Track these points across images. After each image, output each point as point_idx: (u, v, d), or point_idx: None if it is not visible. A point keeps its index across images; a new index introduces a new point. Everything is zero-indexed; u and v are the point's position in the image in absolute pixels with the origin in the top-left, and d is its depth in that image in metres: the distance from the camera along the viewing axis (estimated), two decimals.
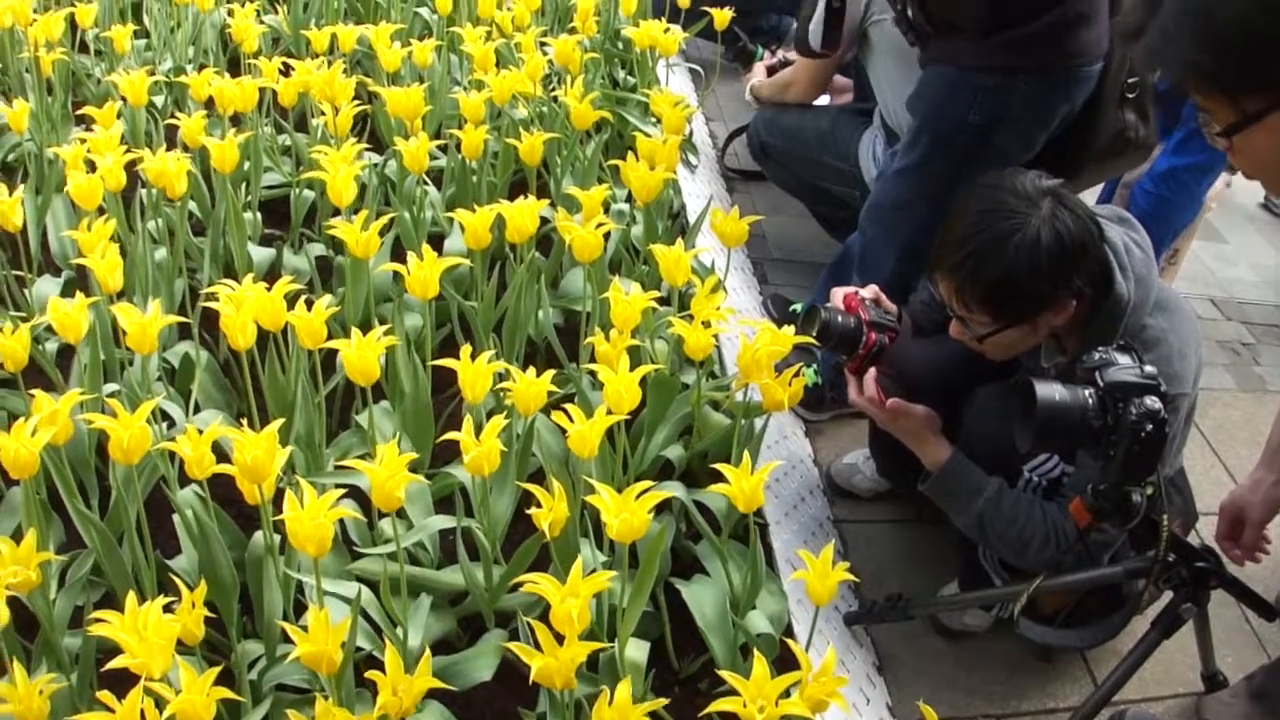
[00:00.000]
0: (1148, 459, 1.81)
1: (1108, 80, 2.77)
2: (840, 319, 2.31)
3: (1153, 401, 1.79)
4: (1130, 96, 2.86)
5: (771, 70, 3.89)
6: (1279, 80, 1.39)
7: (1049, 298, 2.06)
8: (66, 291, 2.79)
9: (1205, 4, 1.41)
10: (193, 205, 3.05)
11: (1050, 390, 1.84)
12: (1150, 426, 1.78)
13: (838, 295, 2.40)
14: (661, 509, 1.96)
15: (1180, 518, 2.33)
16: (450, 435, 1.96)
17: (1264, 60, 1.39)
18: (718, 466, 2.00)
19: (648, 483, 1.85)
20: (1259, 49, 1.38)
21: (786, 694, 1.65)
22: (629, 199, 3.28)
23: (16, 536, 1.80)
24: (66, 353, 2.48)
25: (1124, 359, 1.86)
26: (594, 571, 1.75)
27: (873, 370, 2.33)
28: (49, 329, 2.21)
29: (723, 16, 3.82)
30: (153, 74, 3.33)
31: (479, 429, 1.94)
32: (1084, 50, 2.62)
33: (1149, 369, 1.84)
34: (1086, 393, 1.84)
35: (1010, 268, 2.01)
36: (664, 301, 2.74)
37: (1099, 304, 2.10)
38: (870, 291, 2.41)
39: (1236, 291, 4.24)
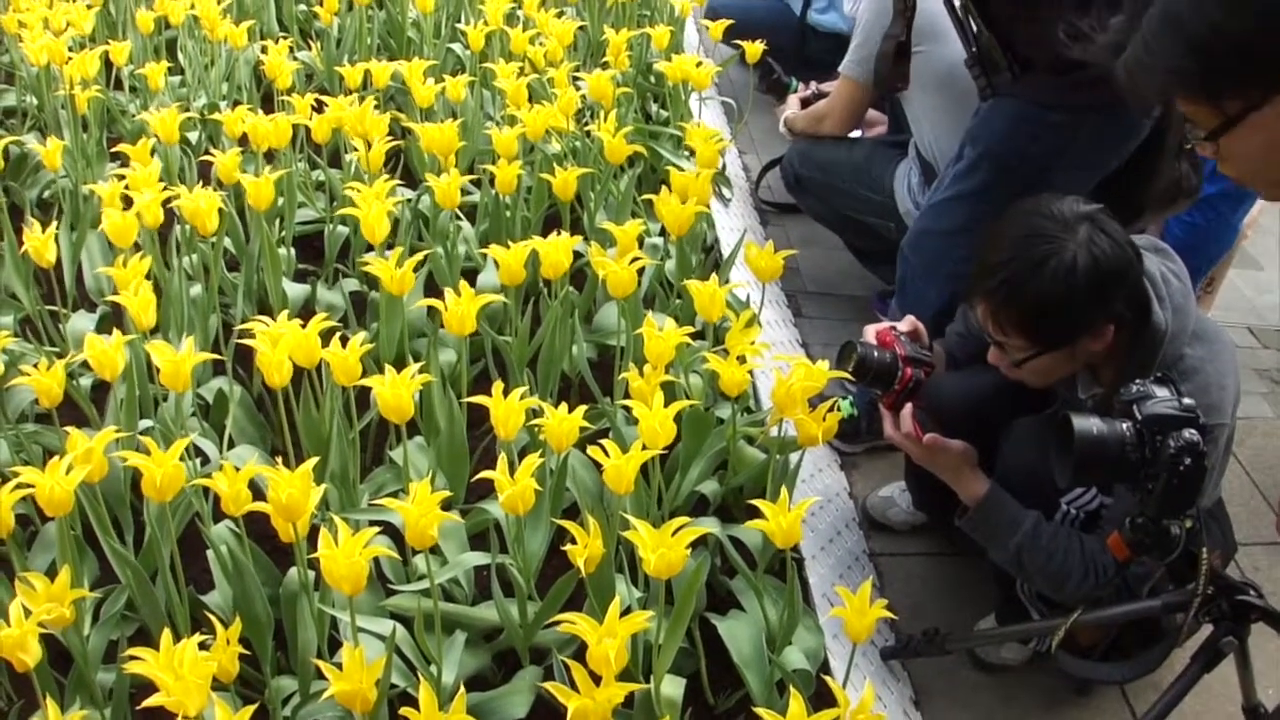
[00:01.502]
0: (1187, 492, 1.79)
1: (1169, 132, 2.75)
2: (876, 354, 2.30)
3: (1191, 434, 1.77)
4: (1186, 148, 2.84)
5: (805, 102, 3.88)
6: (1256, 80, 1.41)
7: (1087, 322, 2.05)
8: (101, 327, 2.82)
9: (1180, 11, 1.44)
10: (227, 241, 3.07)
11: (1088, 424, 1.82)
12: (1189, 459, 1.76)
13: (871, 330, 2.39)
14: (697, 544, 1.95)
15: (1219, 549, 2.29)
16: (485, 474, 1.96)
17: (1239, 62, 1.41)
18: (755, 503, 1.99)
19: (684, 519, 1.84)
20: (1233, 51, 1.41)
21: None
22: (662, 233, 3.28)
23: (51, 573, 1.80)
24: (101, 388, 2.49)
25: (1162, 391, 1.84)
26: (629, 608, 1.74)
27: (909, 405, 2.31)
28: (83, 364, 2.22)
29: (754, 50, 3.82)
30: (187, 110, 3.36)
31: (513, 466, 1.94)
32: None
33: (1187, 401, 1.82)
34: (1124, 426, 1.82)
35: (1047, 292, 2.00)
36: (698, 336, 2.73)
37: (1137, 333, 2.08)
38: (907, 325, 2.40)
39: (1273, 319, 4.18)
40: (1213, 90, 1.45)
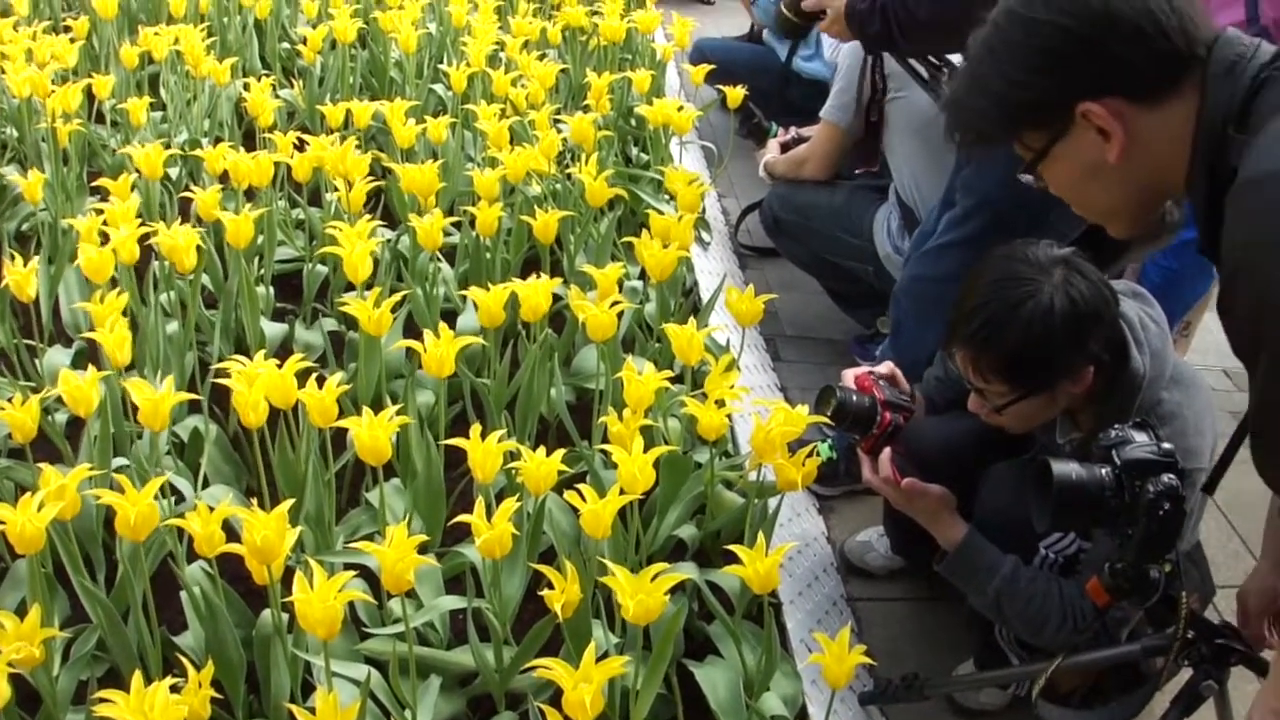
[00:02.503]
0: (1166, 537, 1.79)
1: None
2: (855, 399, 2.30)
3: (1170, 479, 1.77)
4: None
5: (785, 147, 3.90)
6: (1047, 119, 1.57)
7: (1065, 365, 2.05)
8: (77, 362, 2.80)
9: (980, 55, 1.60)
10: (205, 278, 3.06)
11: (1067, 469, 1.82)
12: (1168, 504, 1.76)
13: (850, 375, 2.39)
14: (674, 589, 1.94)
15: (1197, 592, 2.29)
16: (462, 518, 1.95)
17: (1024, 105, 1.57)
18: (732, 548, 1.99)
19: (663, 564, 1.83)
20: (1018, 95, 1.56)
21: None
22: (642, 276, 3.28)
23: (21, 611, 1.78)
24: (76, 423, 2.48)
25: (1141, 436, 1.84)
26: (606, 653, 1.73)
27: (887, 450, 2.31)
28: (58, 400, 2.21)
29: (735, 94, 3.84)
30: (168, 146, 3.35)
31: (491, 509, 1.92)
32: None
33: (1166, 446, 1.82)
34: (1103, 471, 1.82)
35: (1024, 335, 2.00)
36: (677, 379, 2.72)
37: (1115, 377, 2.08)
38: (885, 369, 2.40)
39: None
40: (1010, 127, 1.62)
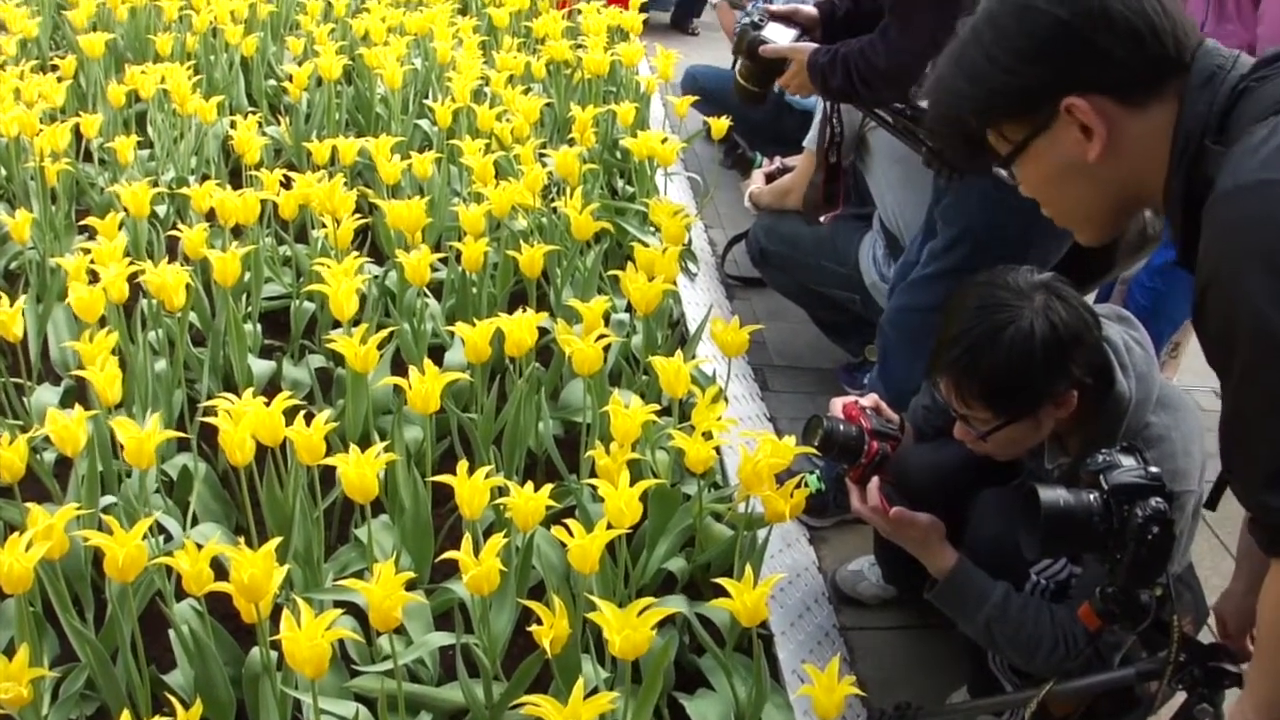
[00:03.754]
0: (1156, 560, 1.79)
1: None
2: (842, 429, 2.30)
3: (1159, 503, 1.77)
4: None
5: (770, 177, 3.92)
6: (1030, 110, 1.55)
7: (1048, 390, 2.05)
8: (65, 401, 2.80)
9: (968, 41, 1.59)
10: (193, 316, 3.06)
11: (1055, 495, 1.82)
12: (1157, 528, 1.76)
13: (837, 405, 2.39)
14: (664, 622, 1.94)
15: (1190, 614, 2.29)
16: (449, 554, 1.94)
17: (1008, 92, 1.56)
18: (720, 581, 1.98)
19: (650, 599, 1.83)
20: (1004, 77, 1.55)
21: None
22: (629, 308, 3.29)
23: (9, 651, 1.78)
24: (64, 462, 2.47)
25: (1128, 460, 1.84)
26: (596, 689, 1.72)
27: (875, 479, 2.31)
28: (47, 438, 2.21)
29: (720, 125, 3.85)
30: (155, 184, 3.36)
31: (478, 545, 1.92)
32: None
33: (1153, 469, 1.82)
34: (1091, 496, 1.82)
35: (1006, 360, 2.01)
36: (665, 411, 2.73)
37: (1101, 401, 2.09)
38: (870, 400, 2.41)
39: None
40: (990, 116, 1.60)
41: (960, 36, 1.61)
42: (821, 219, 3.21)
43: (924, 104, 1.85)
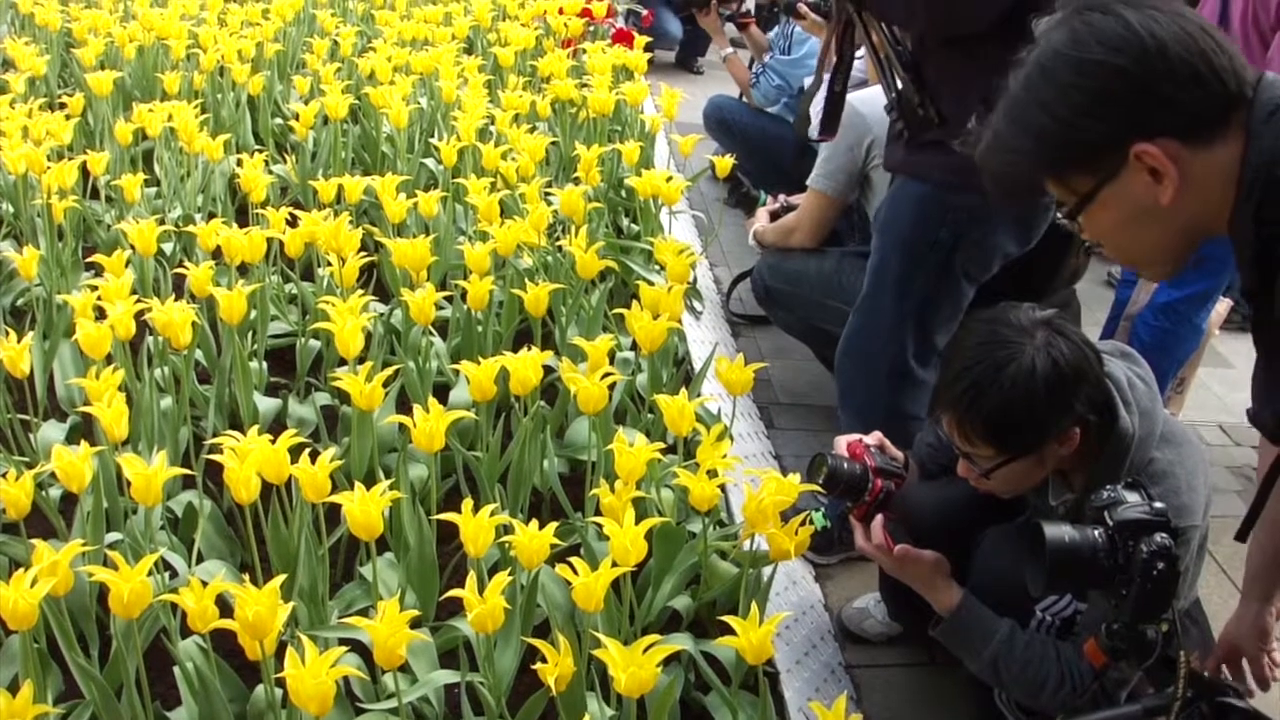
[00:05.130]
0: (1161, 596, 1.78)
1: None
2: (846, 467, 2.30)
3: (1163, 539, 1.76)
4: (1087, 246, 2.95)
5: (774, 215, 3.93)
6: (1093, 159, 1.53)
7: (1051, 426, 2.06)
8: (71, 437, 2.80)
9: (1019, 96, 1.57)
10: (199, 353, 3.07)
11: (1059, 532, 1.82)
12: (1162, 564, 1.75)
13: (842, 443, 2.39)
14: (670, 660, 1.94)
15: (1197, 650, 2.28)
16: (454, 593, 1.95)
17: (1076, 143, 1.54)
18: (725, 619, 1.98)
19: (655, 636, 1.83)
20: (1067, 131, 1.53)
21: None
22: (634, 346, 3.29)
23: (14, 687, 1.78)
24: (70, 498, 2.47)
25: (1132, 496, 1.84)
26: None
27: (879, 517, 2.31)
28: (53, 475, 2.21)
29: (724, 164, 3.87)
30: (162, 222, 3.37)
31: (483, 583, 1.92)
32: None
33: (1158, 505, 1.82)
34: (1096, 533, 1.81)
35: (1008, 397, 2.01)
36: (670, 449, 2.73)
37: (1104, 438, 2.09)
38: (874, 439, 2.41)
39: (1245, 416, 4.12)
40: (1055, 169, 1.58)
41: (1011, 92, 1.59)
42: (814, 137, 3.17)
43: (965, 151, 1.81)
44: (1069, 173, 1.58)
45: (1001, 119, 1.61)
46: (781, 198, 4.05)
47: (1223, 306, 3.90)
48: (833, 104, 2.89)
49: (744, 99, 5.34)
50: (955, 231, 2.65)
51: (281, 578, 1.88)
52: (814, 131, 3.12)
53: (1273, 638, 2.19)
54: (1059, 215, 1.67)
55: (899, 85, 2.62)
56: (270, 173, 3.96)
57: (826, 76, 2.91)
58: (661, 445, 2.44)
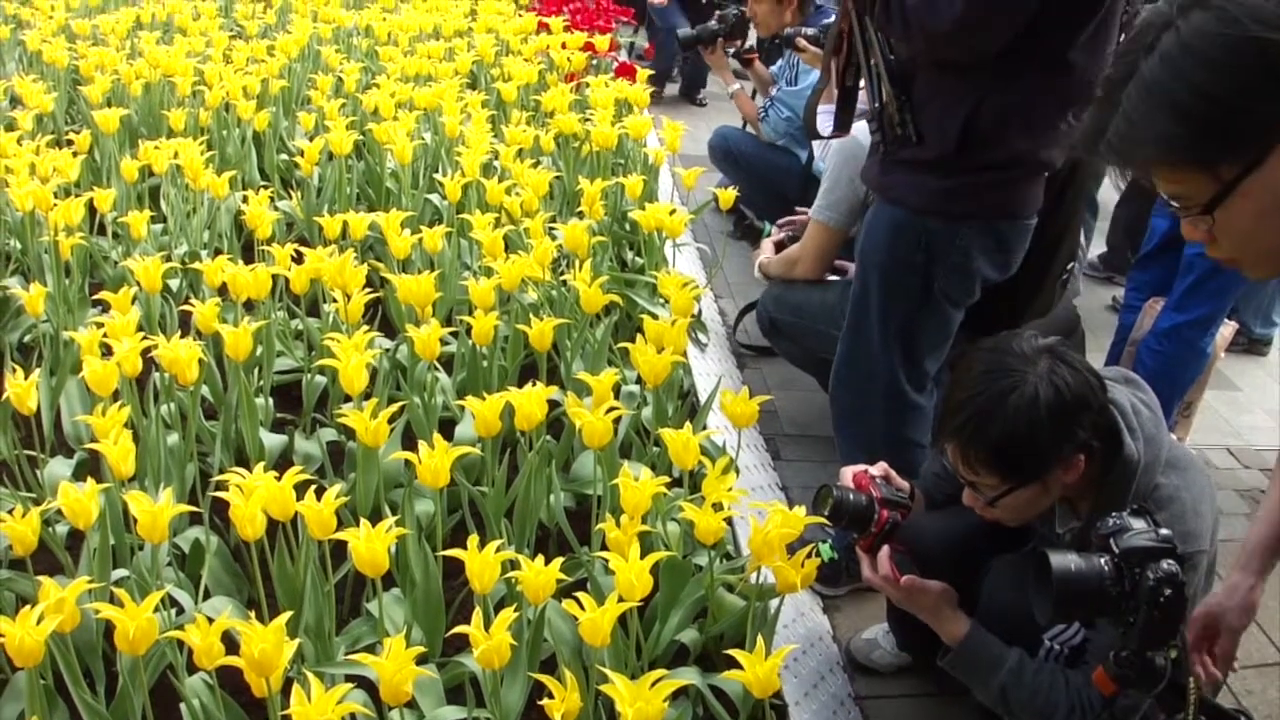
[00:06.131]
0: (1169, 623, 1.78)
1: (1056, 261, 2.95)
2: (852, 498, 2.30)
3: (1170, 565, 1.77)
4: (1064, 278, 3.10)
5: (779, 246, 3.94)
6: (1247, 144, 1.43)
7: (1055, 454, 2.06)
8: (78, 473, 2.81)
9: (1161, 79, 1.45)
10: (205, 390, 3.07)
11: (1065, 561, 1.82)
12: (1169, 590, 1.75)
13: (848, 474, 2.39)
14: (677, 694, 1.93)
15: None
16: (460, 629, 1.94)
17: (1230, 125, 1.43)
18: (731, 652, 1.98)
19: (662, 670, 1.83)
20: (1224, 114, 1.42)
21: None
22: (639, 380, 3.30)
23: None
24: (77, 534, 2.48)
25: (1138, 523, 1.84)
26: None
27: (886, 548, 2.31)
28: (59, 511, 2.22)
29: (727, 196, 3.88)
30: (168, 258, 3.39)
31: (489, 619, 1.92)
32: (1027, 203, 2.70)
33: (1164, 531, 1.82)
34: (1102, 560, 1.82)
35: (1011, 426, 2.02)
36: (676, 483, 2.73)
37: (1109, 464, 2.09)
38: (880, 469, 2.41)
39: (1252, 439, 4.18)
40: (1205, 156, 1.47)
41: (1145, 75, 1.48)
42: (826, 136, 3.17)
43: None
44: (1217, 159, 1.47)
45: (1138, 106, 1.49)
46: (786, 229, 4.06)
47: (1228, 330, 3.90)
48: (845, 100, 2.90)
49: (749, 128, 5.37)
50: (930, 255, 2.66)
51: (287, 614, 1.88)
52: (825, 128, 3.12)
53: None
54: (1176, 209, 1.55)
55: (884, 97, 2.63)
56: (275, 209, 3.97)
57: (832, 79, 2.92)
58: (667, 479, 2.44)
